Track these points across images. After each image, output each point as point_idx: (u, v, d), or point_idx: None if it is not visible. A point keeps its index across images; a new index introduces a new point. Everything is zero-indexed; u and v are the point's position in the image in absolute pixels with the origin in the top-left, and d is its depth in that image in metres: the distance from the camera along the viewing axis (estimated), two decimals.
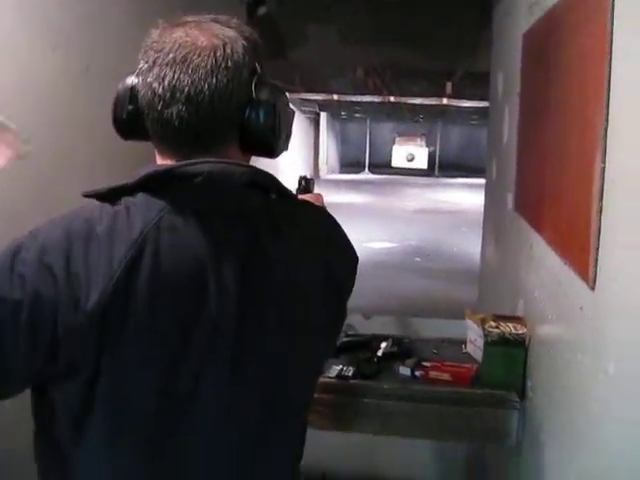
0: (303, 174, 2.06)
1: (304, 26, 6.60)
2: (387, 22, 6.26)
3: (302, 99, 18.86)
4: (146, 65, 1.20)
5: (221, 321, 1.17)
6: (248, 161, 1.33)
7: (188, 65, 1.17)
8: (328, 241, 1.40)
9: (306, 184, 2.02)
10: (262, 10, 4.87)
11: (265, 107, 1.24)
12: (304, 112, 22.29)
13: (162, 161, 1.25)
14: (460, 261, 10.22)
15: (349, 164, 29.59)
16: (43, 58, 2.37)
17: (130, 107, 1.24)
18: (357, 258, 1.53)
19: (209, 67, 1.18)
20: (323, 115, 25.41)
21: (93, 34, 2.67)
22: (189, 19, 1.25)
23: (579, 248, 1.68)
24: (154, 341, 1.13)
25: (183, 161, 1.18)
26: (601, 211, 1.53)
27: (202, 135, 1.21)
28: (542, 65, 2.35)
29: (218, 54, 1.19)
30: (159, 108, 1.19)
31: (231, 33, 1.24)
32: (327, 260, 1.33)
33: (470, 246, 9.92)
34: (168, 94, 1.18)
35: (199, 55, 1.18)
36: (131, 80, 1.24)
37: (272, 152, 1.31)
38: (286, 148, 1.36)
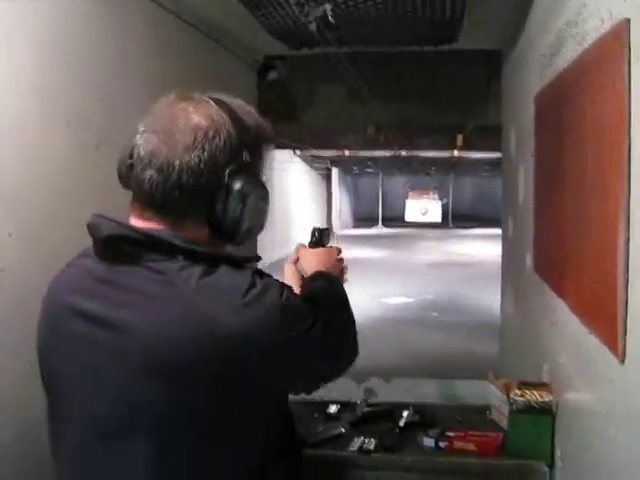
0: (317, 226, 1.96)
1: (314, 87, 6.67)
2: (396, 80, 6.32)
3: (313, 156, 19.04)
4: (142, 128, 1.32)
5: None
6: (213, 239, 1.35)
7: (170, 137, 1.28)
8: (192, 311, 1.22)
9: (319, 236, 1.90)
10: (272, 75, 4.92)
11: (233, 197, 1.31)
12: (316, 168, 22.47)
13: (130, 214, 1.34)
14: (478, 313, 10.11)
15: (362, 218, 29.69)
16: (57, 133, 2.38)
17: (129, 162, 1.33)
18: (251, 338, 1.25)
19: (187, 144, 1.26)
20: (335, 171, 25.59)
21: (105, 109, 2.69)
22: (196, 95, 1.35)
23: (606, 319, 1.63)
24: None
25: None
26: (628, 283, 1.48)
27: (166, 204, 1.29)
28: (556, 128, 2.33)
29: (199, 134, 1.28)
30: (139, 169, 1.30)
31: (225, 118, 1.32)
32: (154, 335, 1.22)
33: (487, 298, 9.82)
34: (146, 159, 1.28)
35: (182, 131, 1.27)
36: (135, 138, 1.33)
37: (231, 240, 1.37)
38: (249, 238, 1.39)
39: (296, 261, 1.81)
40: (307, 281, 1.68)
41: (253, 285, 1.26)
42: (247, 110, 1.39)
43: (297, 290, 1.60)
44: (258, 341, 1.24)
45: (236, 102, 1.38)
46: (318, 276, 1.68)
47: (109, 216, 1.29)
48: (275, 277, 1.39)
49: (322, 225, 2.01)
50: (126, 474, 1.27)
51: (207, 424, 1.26)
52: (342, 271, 1.83)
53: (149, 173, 1.28)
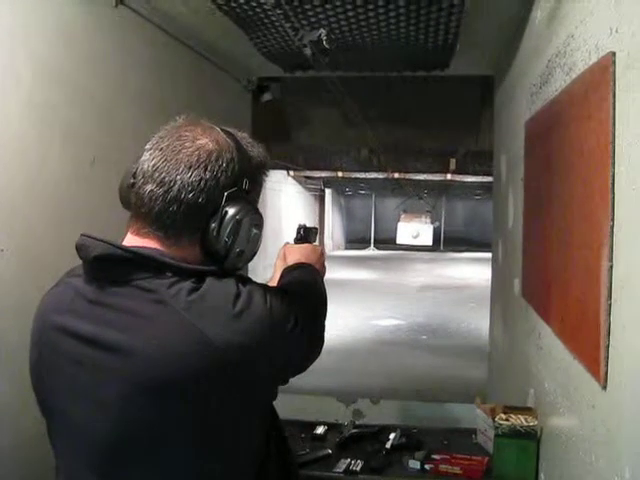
0: (303, 223, 2.02)
1: (308, 109, 6.72)
2: (389, 103, 6.37)
3: (306, 177, 19.09)
4: (148, 146, 1.33)
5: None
6: (203, 261, 1.36)
7: (174, 156, 1.30)
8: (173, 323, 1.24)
9: (304, 233, 1.97)
10: (267, 96, 4.96)
11: (227, 221, 1.34)
12: (309, 189, 22.50)
13: (127, 230, 1.37)
14: (467, 337, 10.15)
15: (355, 240, 29.71)
16: (53, 149, 2.40)
17: (132, 181, 1.36)
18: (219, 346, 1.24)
19: (190, 162, 1.30)
20: (328, 191, 25.62)
21: (102, 126, 2.72)
22: (204, 122, 1.39)
23: (588, 345, 1.65)
24: None
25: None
26: (610, 309, 1.51)
27: (163, 218, 1.31)
28: (545, 155, 2.37)
29: (203, 155, 1.31)
30: (140, 183, 1.33)
31: (230, 143, 1.36)
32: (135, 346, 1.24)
33: (477, 322, 9.88)
34: (149, 173, 1.31)
35: (187, 149, 1.31)
36: (141, 158, 1.35)
37: (221, 263, 1.37)
38: (238, 264, 1.41)
39: (284, 258, 1.85)
40: (287, 270, 1.71)
41: (239, 295, 1.29)
42: (250, 141, 1.45)
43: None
44: (252, 349, 1.27)
45: (241, 134, 1.44)
46: (297, 266, 1.72)
47: (97, 235, 1.31)
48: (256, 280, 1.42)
49: (309, 224, 2.06)
50: None
51: (207, 438, 1.27)
52: (323, 266, 1.87)
53: (150, 187, 1.30)
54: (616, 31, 1.53)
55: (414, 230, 27.41)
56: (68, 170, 2.50)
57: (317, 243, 2.00)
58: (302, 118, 6.84)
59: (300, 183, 21.04)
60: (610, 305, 1.51)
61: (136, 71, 3.06)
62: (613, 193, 1.51)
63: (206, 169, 1.31)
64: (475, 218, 28.95)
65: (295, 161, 11.06)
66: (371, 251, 28.29)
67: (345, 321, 10.69)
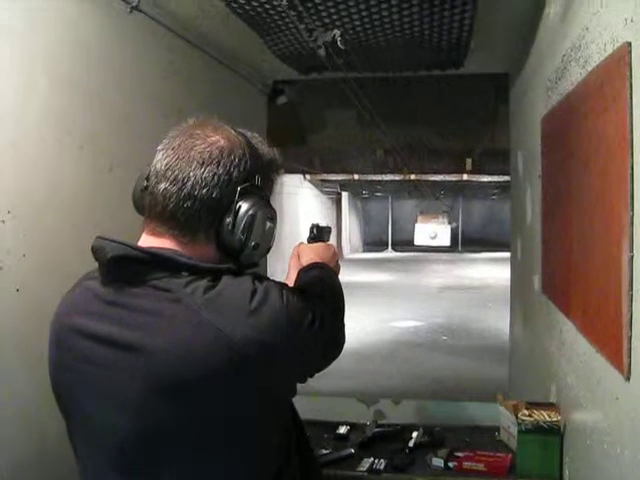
0: (315, 222, 2.02)
1: (323, 111, 6.71)
2: (404, 104, 6.36)
3: (323, 180, 19.10)
4: (161, 146, 1.35)
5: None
6: (220, 257, 1.37)
7: (186, 153, 1.32)
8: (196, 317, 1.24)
9: (318, 233, 1.97)
10: (282, 99, 4.97)
11: (242, 215, 1.34)
12: (325, 192, 22.50)
13: (143, 231, 1.38)
14: (488, 337, 10.09)
15: (372, 242, 29.68)
16: (72, 156, 2.41)
17: (145, 183, 1.37)
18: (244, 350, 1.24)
19: (203, 159, 1.31)
20: (345, 194, 25.60)
21: (120, 133, 2.73)
22: (214, 121, 1.41)
23: (611, 337, 1.65)
24: None
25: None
26: (632, 300, 1.50)
27: (178, 216, 1.31)
28: (562, 150, 2.36)
29: (215, 151, 1.32)
30: (154, 182, 1.34)
31: (241, 140, 1.37)
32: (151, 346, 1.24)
33: (497, 322, 9.82)
34: (162, 172, 1.33)
35: (199, 146, 1.32)
36: (153, 161, 1.37)
37: (236, 258, 1.38)
38: (254, 258, 1.42)
39: (298, 257, 1.85)
40: (303, 270, 1.71)
41: (255, 292, 1.29)
42: (260, 140, 1.46)
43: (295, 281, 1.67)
44: (270, 344, 1.27)
45: (250, 133, 1.45)
46: (313, 266, 1.72)
47: (112, 237, 1.31)
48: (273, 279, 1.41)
49: (321, 223, 2.06)
50: None
51: (227, 437, 1.27)
52: (337, 264, 1.86)
53: (163, 185, 1.31)
54: (631, 21, 1.52)
55: (431, 231, 27.34)
56: (86, 176, 2.52)
57: (331, 242, 2.00)
58: (318, 121, 6.83)
59: (317, 187, 21.04)
60: (632, 296, 1.51)
61: (152, 76, 3.08)
62: (632, 184, 1.51)
63: (219, 165, 1.32)
64: (492, 218, 28.84)
65: (311, 164, 11.06)
66: (389, 253, 28.24)
67: (364, 324, 10.69)
